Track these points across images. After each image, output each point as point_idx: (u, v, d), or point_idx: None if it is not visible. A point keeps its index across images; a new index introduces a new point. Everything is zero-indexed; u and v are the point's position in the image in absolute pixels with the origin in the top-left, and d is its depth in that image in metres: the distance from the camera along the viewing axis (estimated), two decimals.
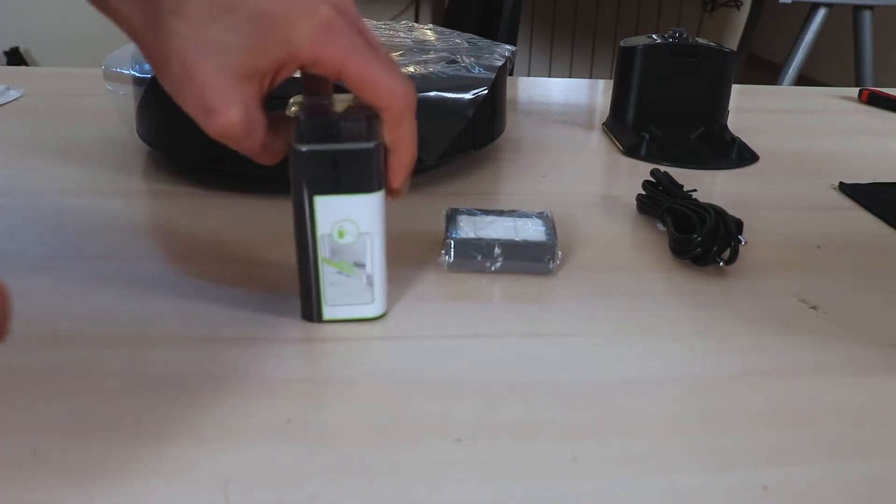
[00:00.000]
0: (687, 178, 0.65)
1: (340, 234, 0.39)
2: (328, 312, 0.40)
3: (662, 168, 0.67)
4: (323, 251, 0.39)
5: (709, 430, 0.34)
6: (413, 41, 0.70)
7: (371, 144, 0.37)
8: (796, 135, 0.81)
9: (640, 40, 0.75)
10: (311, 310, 0.40)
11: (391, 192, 0.40)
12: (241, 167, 0.58)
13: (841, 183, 0.65)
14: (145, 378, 0.36)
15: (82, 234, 0.51)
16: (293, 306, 0.42)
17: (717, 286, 0.47)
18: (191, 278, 0.45)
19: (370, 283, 0.40)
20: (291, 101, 0.39)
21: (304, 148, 0.37)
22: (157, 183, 0.60)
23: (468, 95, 0.58)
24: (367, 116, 0.37)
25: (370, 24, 0.77)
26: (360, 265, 0.40)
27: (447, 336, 0.41)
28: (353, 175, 0.37)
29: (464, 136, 0.60)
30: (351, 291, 0.40)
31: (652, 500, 0.30)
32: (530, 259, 0.47)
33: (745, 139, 0.76)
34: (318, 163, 0.37)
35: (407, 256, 0.49)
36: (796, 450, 0.33)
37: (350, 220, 0.38)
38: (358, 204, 0.38)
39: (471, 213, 0.51)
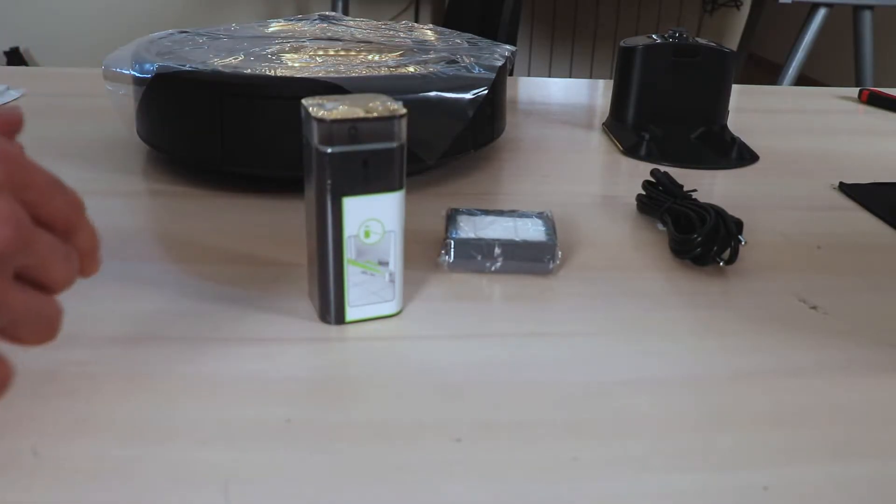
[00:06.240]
0: (687, 178, 0.64)
1: (367, 234, 0.39)
2: (351, 314, 0.41)
3: (662, 168, 0.67)
4: (349, 252, 0.39)
5: (709, 430, 0.34)
6: (413, 41, 0.70)
7: (397, 143, 0.38)
8: (796, 135, 0.81)
9: (640, 40, 0.75)
10: (331, 312, 0.40)
11: (85, 273, 0.33)
12: (241, 167, 0.58)
13: (841, 183, 0.65)
14: (145, 378, 0.36)
15: None
16: (293, 306, 0.42)
17: (717, 286, 0.47)
18: (191, 278, 0.45)
19: (392, 280, 0.41)
20: (304, 101, 0.39)
21: (333, 150, 0.37)
22: (157, 183, 0.60)
23: (468, 95, 0.58)
24: (386, 116, 0.38)
25: (370, 24, 0.77)
26: (384, 263, 0.40)
27: (447, 336, 0.41)
28: (382, 174, 0.38)
29: (464, 136, 0.60)
30: (374, 290, 0.41)
31: (652, 500, 0.30)
32: (530, 259, 0.47)
33: (745, 139, 0.76)
34: (349, 164, 0.37)
35: (407, 256, 0.49)
36: (796, 450, 0.33)
37: (377, 220, 0.39)
38: (385, 203, 0.39)
39: (471, 213, 0.51)
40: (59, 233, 0.30)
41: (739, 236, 0.48)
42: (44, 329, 0.29)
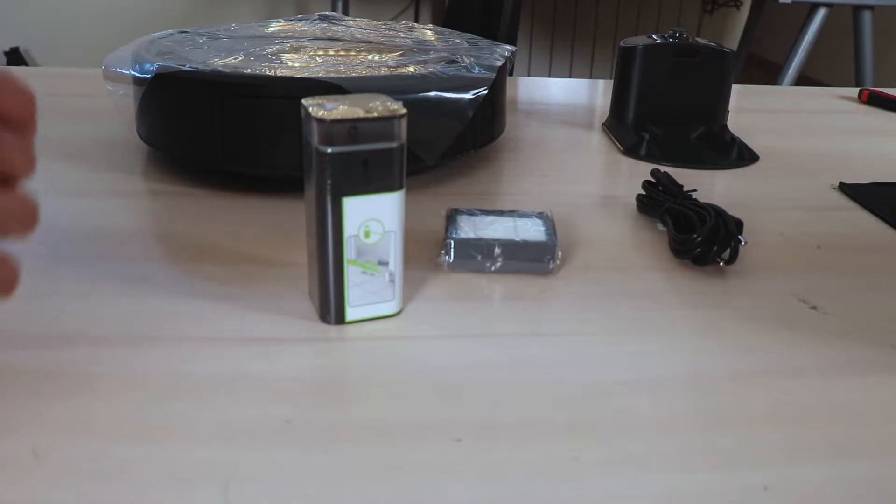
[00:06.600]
0: (687, 178, 0.64)
1: (367, 234, 0.39)
2: (351, 314, 0.41)
3: (662, 168, 0.67)
4: (349, 252, 0.39)
5: (709, 430, 0.34)
6: (413, 41, 0.70)
7: (397, 143, 0.38)
8: (796, 135, 0.81)
9: (640, 40, 0.75)
10: (331, 312, 0.40)
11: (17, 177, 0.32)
12: (241, 167, 0.58)
13: (841, 183, 0.65)
14: (145, 378, 0.36)
15: (82, 234, 0.51)
16: (293, 306, 0.42)
17: (717, 286, 0.47)
18: (191, 278, 0.45)
19: (392, 280, 0.41)
20: (304, 101, 0.39)
21: (333, 150, 0.37)
22: (157, 183, 0.60)
23: (468, 95, 0.58)
24: (386, 116, 0.38)
25: (370, 24, 0.77)
26: (384, 263, 0.40)
27: (447, 336, 0.41)
28: (382, 174, 0.38)
29: (464, 136, 0.60)
30: (374, 290, 0.41)
31: (652, 500, 0.30)
32: (530, 259, 0.47)
33: (745, 139, 0.76)
34: (349, 164, 0.37)
35: (407, 256, 0.49)
36: (796, 450, 0.33)
37: (377, 220, 0.39)
38: (385, 203, 0.39)
39: (471, 213, 0.51)
40: (15, 127, 0.31)
41: (739, 236, 0.48)
42: (27, 220, 0.32)
